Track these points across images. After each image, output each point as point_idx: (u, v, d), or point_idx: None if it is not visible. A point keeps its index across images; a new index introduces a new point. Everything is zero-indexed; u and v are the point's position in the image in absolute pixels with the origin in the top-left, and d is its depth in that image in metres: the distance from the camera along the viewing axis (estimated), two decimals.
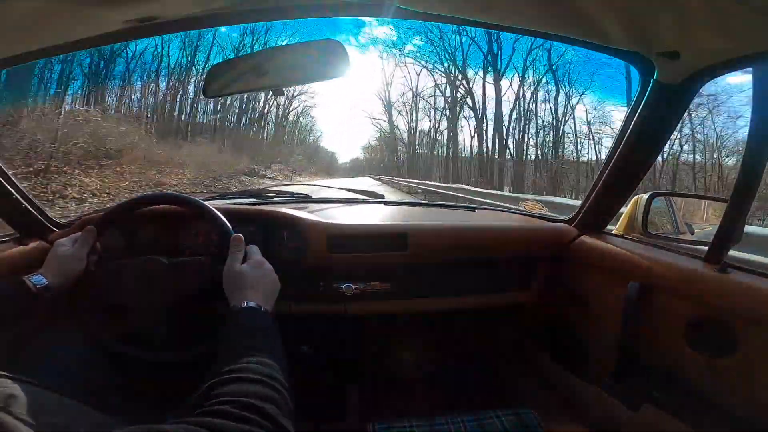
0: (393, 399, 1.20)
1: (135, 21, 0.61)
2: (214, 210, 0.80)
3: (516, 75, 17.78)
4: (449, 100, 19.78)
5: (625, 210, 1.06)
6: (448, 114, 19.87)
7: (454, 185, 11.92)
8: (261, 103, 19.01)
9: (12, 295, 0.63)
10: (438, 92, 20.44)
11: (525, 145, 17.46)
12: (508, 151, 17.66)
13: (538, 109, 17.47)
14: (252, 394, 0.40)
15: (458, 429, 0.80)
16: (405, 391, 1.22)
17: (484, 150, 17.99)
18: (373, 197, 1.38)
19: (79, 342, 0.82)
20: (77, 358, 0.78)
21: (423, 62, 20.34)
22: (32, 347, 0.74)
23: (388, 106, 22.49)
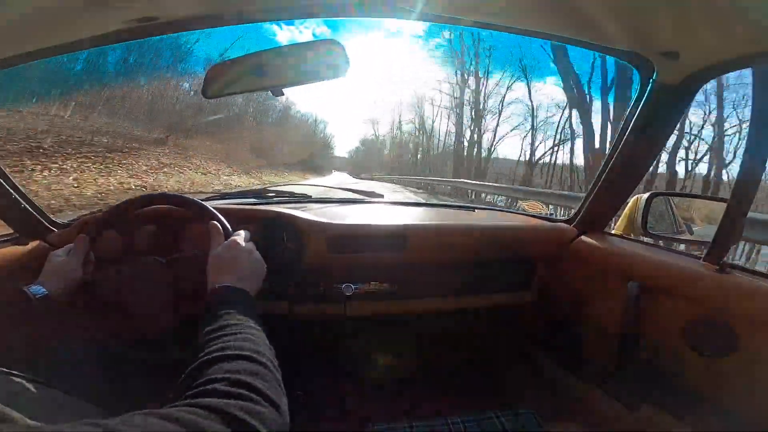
0: (393, 399, 1.20)
1: (135, 21, 0.61)
2: (214, 211, 0.79)
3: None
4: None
5: (624, 210, 1.06)
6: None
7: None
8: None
9: (12, 305, 0.63)
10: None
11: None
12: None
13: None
14: (241, 371, 0.40)
15: (458, 429, 0.79)
16: (405, 391, 1.22)
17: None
18: (373, 197, 1.38)
19: (82, 343, 0.81)
20: (79, 358, 0.78)
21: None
22: (37, 349, 0.74)
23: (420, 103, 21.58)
